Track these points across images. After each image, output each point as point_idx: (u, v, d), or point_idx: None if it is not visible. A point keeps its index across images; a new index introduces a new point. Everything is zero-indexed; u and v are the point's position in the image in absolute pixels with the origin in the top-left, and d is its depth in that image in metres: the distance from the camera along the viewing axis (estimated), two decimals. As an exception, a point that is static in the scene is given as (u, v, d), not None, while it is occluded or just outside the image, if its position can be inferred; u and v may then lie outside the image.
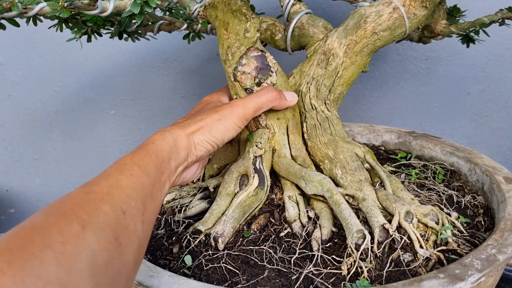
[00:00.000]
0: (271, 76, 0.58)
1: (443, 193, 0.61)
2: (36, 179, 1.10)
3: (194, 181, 0.66)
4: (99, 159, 1.09)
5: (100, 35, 0.70)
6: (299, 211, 0.55)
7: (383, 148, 0.78)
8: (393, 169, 0.68)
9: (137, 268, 0.42)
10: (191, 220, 0.59)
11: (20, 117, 1.05)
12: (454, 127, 1.03)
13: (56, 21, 0.62)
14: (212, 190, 0.61)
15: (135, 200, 0.42)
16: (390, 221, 0.51)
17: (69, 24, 0.64)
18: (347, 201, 0.54)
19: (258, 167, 0.57)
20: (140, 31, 0.70)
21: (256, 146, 0.58)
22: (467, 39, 0.74)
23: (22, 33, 0.97)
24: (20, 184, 1.10)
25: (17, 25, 0.52)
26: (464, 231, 0.54)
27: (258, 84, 0.57)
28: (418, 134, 0.77)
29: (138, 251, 0.41)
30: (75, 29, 0.65)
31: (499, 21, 0.69)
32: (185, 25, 0.69)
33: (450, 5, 0.76)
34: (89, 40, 0.70)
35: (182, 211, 0.60)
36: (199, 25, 0.68)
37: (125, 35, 0.70)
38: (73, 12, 0.49)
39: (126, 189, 0.42)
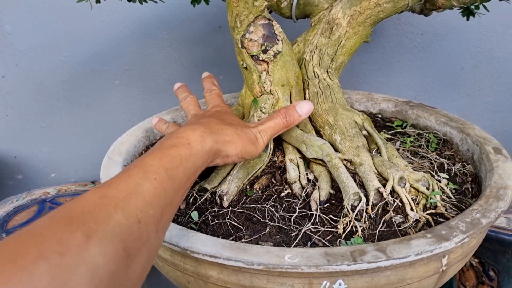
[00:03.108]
0: (277, 44, 0.60)
1: (435, 161, 0.65)
2: (43, 146, 1.13)
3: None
4: (104, 128, 1.12)
5: (110, -5, 0.71)
6: (299, 173, 0.59)
7: (380, 116, 0.81)
8: (389, 136, 0.71)
9: (143, 278, 0.38)
10: (197, 179, 0.62)
11: (28, 86, 1.06)
12: (447, 101, 1.07)
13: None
14: (216, 151, 0.64)
15: (154, 208, 0.39)
16: (384, 186, 0.55)
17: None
18: (345, 166, 0.57)
19: (262, 131, 0.60)
20: (148, -6, 0.71)
21: (261, 111, 0.61)
22: (468, 12, 0.76)
23: (30, 2, 0.98)
24: (28, 151, 1.13)
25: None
26: (452, 197, 0.58)
27: (264, 51, 0.60)
28: (415, 104, 0.80)
29: (147, 261, 0.38)
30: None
31: (503, -6, 0.71)
32: (193, -10, 0.70)
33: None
34: (97, 1, 0.72)
35: (187, 170, 0.63)
36: (207, -9, 0.69)
37: (133, -2, 0.71)
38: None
39: (146, 195, 0.39)
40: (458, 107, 1.07)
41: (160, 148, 0.44)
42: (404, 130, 0.75)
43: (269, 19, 0.60)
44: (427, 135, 0.73)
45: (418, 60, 1.03)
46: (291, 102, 0.62)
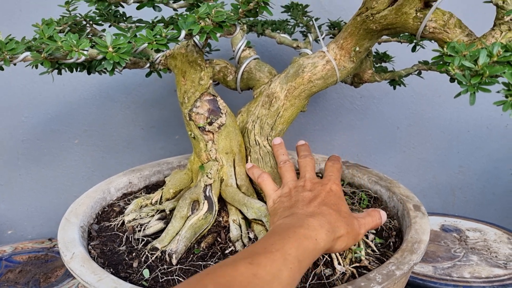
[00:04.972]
0: (221, 117, 0.68)
1: (364, 218, 0.73)
2: (1, 203, 1.16)
3: (153, 203, 0.75)
4: (63, 186, 1.16)
5: (71, 70, 0.78)
6: (241, 232, 0.65)
7: (320, 175, 0.89)
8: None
9: None
10: (149, 238, 0.68)
11: (-13, 145, 1.10)
12: (385, 157, 1.17)
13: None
14: (168, 212, 0.70)
15: None
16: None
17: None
18: (281, 225, 0.64)
19: (207, 194, 0.67)
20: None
21: (207, 176, 0.68)
22: (394, 83, 0.87)
23: (-7, 67, 1.03)
24: (-14, 208, 1.16)
25: (1, 69, 0.60)
26: (377, 250, 0.65)
27: (210, 123, 0.68)
28: (351, 164, 0.89)
29: None
30: (48, 65, 0.73)
31: (416, 72, 0.82)
32: (148, 64, 0.78)
33: (382, 51, 0.90)
34: (59, 73, 0.78)
35: (142, 230, 0.69)
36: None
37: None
38: (52, 61, 0.57)
39: (284, 281, 0.46)
40: (396, 163, 1.17)
41: (295, 235, 0.51)
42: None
43: (213, 95, 0.68)
44: (360, 193, 0.81)
45: (358, 120, 1.14)
46: (234, 168, 0.70)
